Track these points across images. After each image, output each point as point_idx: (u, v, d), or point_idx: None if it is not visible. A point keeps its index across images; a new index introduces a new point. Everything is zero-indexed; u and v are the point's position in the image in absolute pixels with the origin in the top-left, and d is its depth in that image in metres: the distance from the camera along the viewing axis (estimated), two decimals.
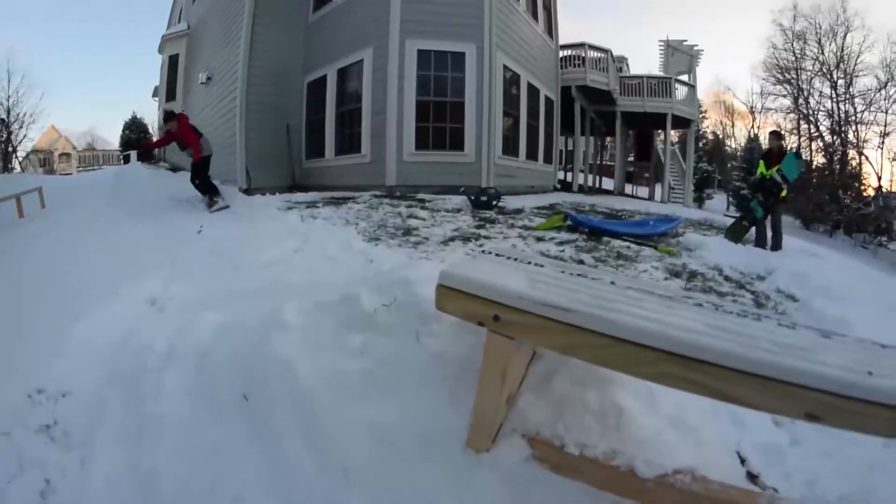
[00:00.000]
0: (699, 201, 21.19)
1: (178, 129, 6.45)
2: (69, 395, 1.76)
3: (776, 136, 7.49)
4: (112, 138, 33.40)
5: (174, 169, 12.87)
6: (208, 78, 10.92)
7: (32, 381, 1.83)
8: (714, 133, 40.48)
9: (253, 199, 7.19)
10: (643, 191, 21.34)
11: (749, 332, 0.92)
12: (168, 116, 6.75)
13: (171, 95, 13.66)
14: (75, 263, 3.07)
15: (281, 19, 9.74)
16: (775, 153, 6.69)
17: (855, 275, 5.84)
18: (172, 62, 13.69)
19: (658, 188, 19.00)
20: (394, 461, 0.96)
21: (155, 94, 18.60)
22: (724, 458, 1.44)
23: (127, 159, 18.38)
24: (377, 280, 1.49)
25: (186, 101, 12.88)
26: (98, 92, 57.69)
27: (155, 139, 7.05)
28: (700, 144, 34.78)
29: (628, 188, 21.28)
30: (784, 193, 6.46)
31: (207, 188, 6.63)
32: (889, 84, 22.41)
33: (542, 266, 1.26)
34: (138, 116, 24.70)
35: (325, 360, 1.15)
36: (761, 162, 6.86)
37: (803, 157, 26.09)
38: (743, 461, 1.61)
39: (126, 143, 22.42)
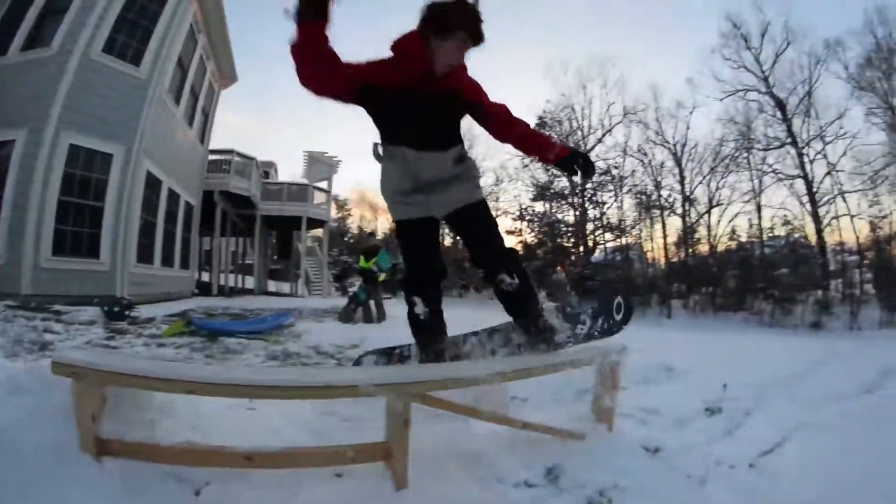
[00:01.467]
0: (343, 290, 23.73)
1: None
2: None
3: (372, 235, 10.31)
4: None
5: None
6: None
7: None
8: (359, 227, 47.08)
9: None
10: (287, 287, 22.47)
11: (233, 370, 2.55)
12: None
13: None
14: None
15: None
16: (372, 249, 8.87)
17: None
18: None
19: (300, 283, 20.91)
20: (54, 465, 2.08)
21: None
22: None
23: None
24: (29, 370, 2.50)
25: None
26: None
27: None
28: (345, 238, 40.23)
29: (273, 285, 22.33)
30: (382, 278, 8.55)
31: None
32: (500, 181, 31.57)
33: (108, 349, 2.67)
34: None
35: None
36: (361, 257, 8.95)
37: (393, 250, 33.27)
38: None
39: None
